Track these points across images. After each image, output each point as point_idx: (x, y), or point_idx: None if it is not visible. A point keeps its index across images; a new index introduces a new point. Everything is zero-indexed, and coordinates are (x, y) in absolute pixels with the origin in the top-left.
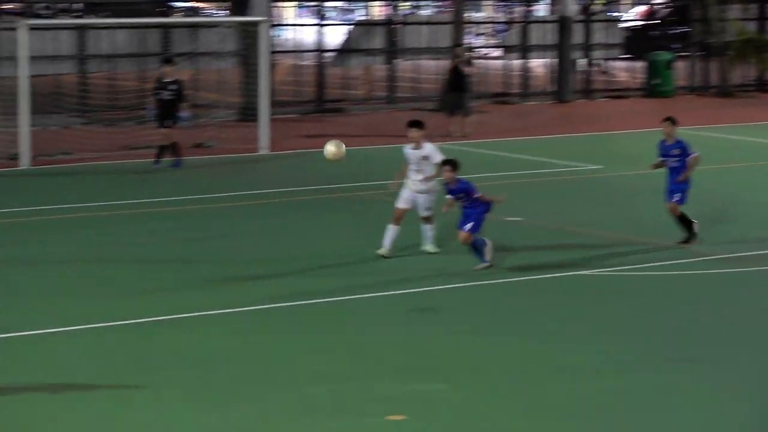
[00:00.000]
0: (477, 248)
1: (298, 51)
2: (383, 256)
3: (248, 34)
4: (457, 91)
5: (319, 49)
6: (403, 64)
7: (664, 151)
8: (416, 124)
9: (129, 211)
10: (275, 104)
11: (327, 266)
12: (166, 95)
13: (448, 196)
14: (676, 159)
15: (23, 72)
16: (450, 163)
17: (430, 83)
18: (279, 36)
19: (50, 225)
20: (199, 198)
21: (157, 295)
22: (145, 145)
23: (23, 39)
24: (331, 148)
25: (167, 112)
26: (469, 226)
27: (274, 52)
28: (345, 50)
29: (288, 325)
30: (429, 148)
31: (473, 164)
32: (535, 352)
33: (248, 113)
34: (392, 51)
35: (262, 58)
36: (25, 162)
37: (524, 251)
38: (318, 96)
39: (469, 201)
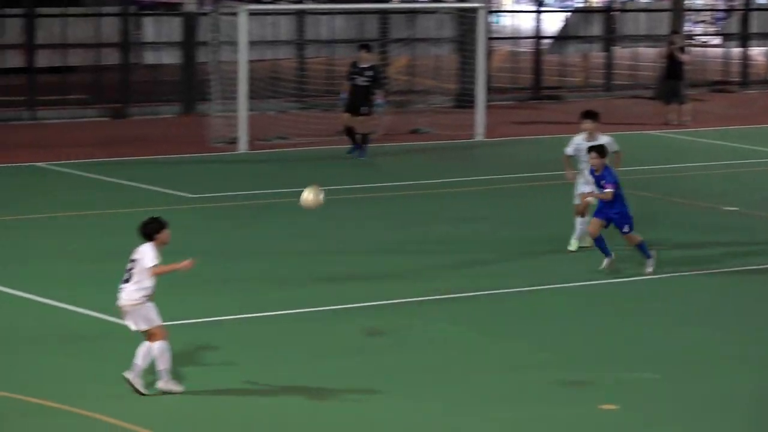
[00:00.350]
0: (642, 248)
1: (515, 38)
2: (572, 251)
3: (466, 20)
4: (673, 78)
5: (537, 36)
6: (621, 52)
7: None
8: (591, 115)
9: (343, 196)
10: (491, 91)
11: (532, 254)
12: (361, 81)
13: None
14: None
15: (242, 57)
16: (597, 150)
17: (648, 71)
18: (496, 22)
19: (266, 208)
20: (413, 184)
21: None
22: (370, 131)
23: (243, 24)
24: (308, 196)
25: (361, 99)
26: (626, 228)
27: (491, 39)
28: (562, 37)
29: (490, 315)
30: (604, 140)
31: (691, 153)
32: (745, 343)
33: (464, 100)
34: (610, 38)
35: (479, 44)
36: (242, 146)
37: (737, 242)
38: (534, 83)
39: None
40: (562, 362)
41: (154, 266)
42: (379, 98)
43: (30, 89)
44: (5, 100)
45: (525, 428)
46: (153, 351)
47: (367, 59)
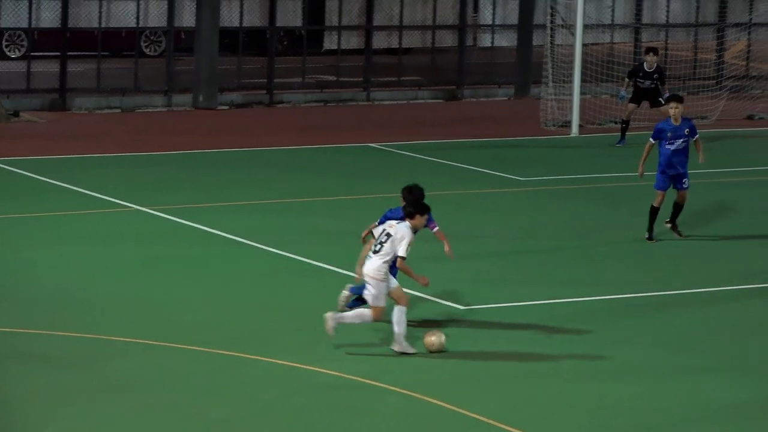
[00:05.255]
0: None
1: None
2: None
3: None
4: None
5: None
6: None
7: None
8: (677, 98)
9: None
10: None
11: None
12: (647, 85)
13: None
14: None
15: (578, 40)
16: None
17: None
18: None
19: (594, 192)
20: (749, 170)
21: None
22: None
23: (579, 7)
24: (433, 340)
25: (650, 99)
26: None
27: None
28: None
29: None
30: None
31: None
32: None
33: None
34: None
35: None
36: (574, 129)
37: None
38: None
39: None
40: None
41: (403, 259)
42: (666, 93)
43: (366, 70)
44: (343, 81)
45: None
46: (394, 314)
47: (653, 62)
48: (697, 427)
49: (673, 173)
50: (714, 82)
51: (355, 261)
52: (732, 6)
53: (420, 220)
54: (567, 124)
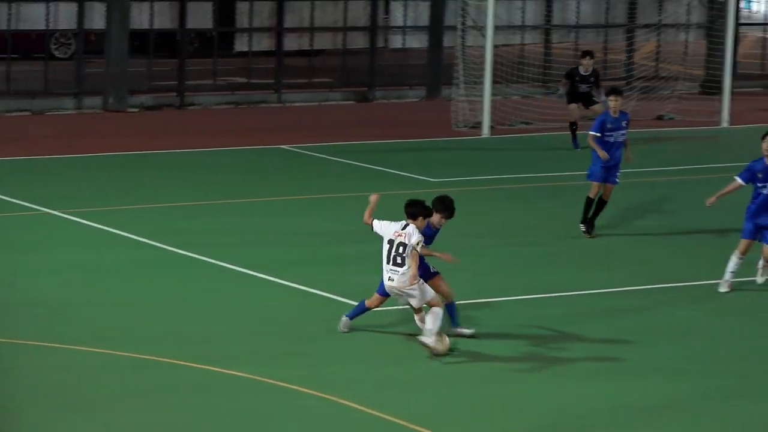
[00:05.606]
0: None
1: (765, 24)
2: None
3: (715, 5)
4: None
5: None
6: None
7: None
8: (617, 91)
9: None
10: (738, 77)
11: None
12: (583, 88)
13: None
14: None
15: (489, 41)
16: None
17: None
18: (747, 8)
19: (505, 193)
20: (661, 170)
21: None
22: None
23: (490, 8)
24: (438, 347)
25: (585, 102)
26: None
27: (740, 24)
28: None
29: None
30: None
31: None
32: None
33: (710, 86)
34: None
35: (728, 30)
36: (485, 131)
37: None
38: None
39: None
40: None
41: (418, 245)
42: (602, 96)
43: (277, 72)
44: (253, 83)
45: None
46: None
47: (589, 66)
48: (607, 427)
49: (610, 165)
50: (624, 82)
51: (271, 263)
52: (641, 7)
53: (422, 222)
54: (478, 126)
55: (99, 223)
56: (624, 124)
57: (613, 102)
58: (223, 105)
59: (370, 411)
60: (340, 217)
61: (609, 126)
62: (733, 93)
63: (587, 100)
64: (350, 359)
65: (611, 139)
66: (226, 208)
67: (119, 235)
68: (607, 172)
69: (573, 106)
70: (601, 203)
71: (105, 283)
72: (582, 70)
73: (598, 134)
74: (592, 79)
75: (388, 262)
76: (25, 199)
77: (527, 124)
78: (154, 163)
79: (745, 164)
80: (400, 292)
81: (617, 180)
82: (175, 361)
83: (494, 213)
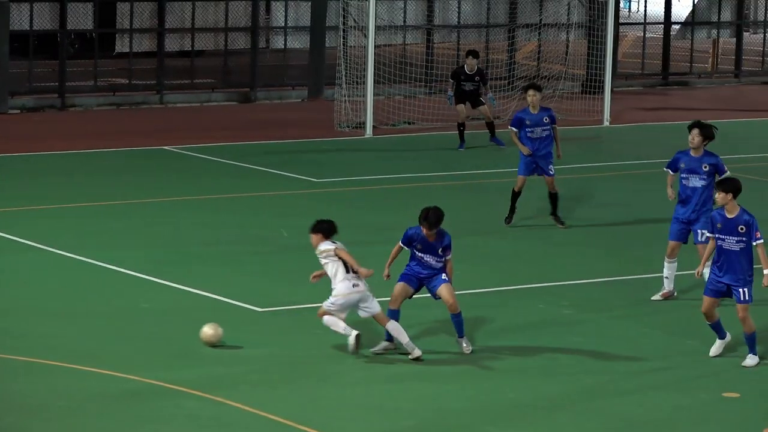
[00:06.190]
0: None
1: (644, 23)
2: None
3: (595, 5)
4: None
5: (666, 22)
6: (752, 38)
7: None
8: (535, 86)
9: (466, 182)
10: (619, 76)
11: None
12: (469, 87)
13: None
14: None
15: (371, 42)
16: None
17: None
18: (626, 7)
19: (388, 193)
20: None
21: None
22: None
23: (371, 9)
24: (208, 331)
25: (472, 101)
26: None
27: (620, 24)
28: (692, 23)
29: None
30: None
31: None
32: None
33: (592, 85)
34: (740, 23)
35: (608, 29)
36: (368, 131)
37: None
38: (663, 69)
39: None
40: None
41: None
42: (489, 94)
43: (159, 73)
44: (134, 84)
45: None
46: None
47: (473, 65)
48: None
49: (537, 158)
50: (506, 82)
51: (152, 263)
52: (522, 7)
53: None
54: (361, 126)
55: None
56: (545, 120)
57: (530, 97)
58: (105, 106)
59: (258, 412)
60: (221, 218)
61: (528, 122)
62: (613, 92)
63: (474, 100)
64: (235, 362)
65: (533, 135)
66: (107, 210)
67: (3, 237)
68: (536, 166)
69: (461, 106)
70: (551, 196)
71: None
72: (467, 69)
73: (515, 129)
74: (476, 78)
75: (347, 272)
76: None
77: (410, 124)
78: (35, 166)
79: (625, 163)
80: (360, 298)
81: (551, 172)
82: (61, 364)
83: (375, 213)
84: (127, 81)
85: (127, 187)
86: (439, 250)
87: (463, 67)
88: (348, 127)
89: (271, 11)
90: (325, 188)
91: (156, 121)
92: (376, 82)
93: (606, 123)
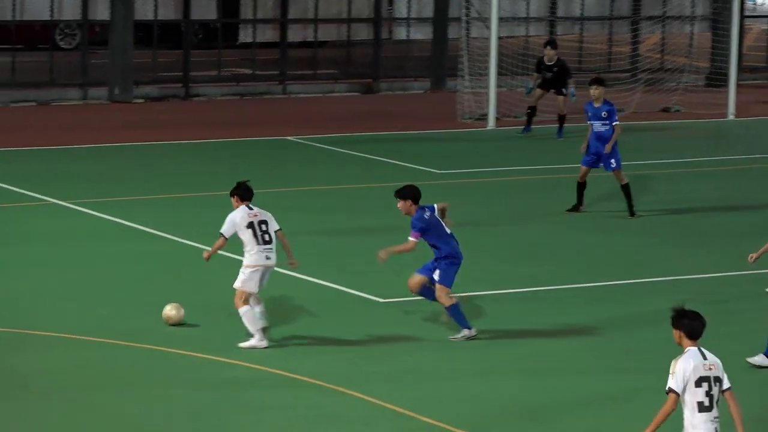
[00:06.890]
0: None
1: None
2: None
3: None
4: None
5: None
6: None
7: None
8: (597, 80)
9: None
10: (744, 70)
11: None
12: (548, 76)
13: None
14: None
15: (493, 33)
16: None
17: None
18: (753, 1)
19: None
20: (666, 162)
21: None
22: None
23: (494, 0)
24: (170, 313)
25: (555, 87)
26: None
27: (745, 17)
28: None
29: None
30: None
31: None
32: None
33: (716, 78)
34: None
35: (733, 22)
36: (491, 122)
37: None
38: None
39: None
40: None
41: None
42: (571, 87)
43: (281, 63)
44: (258, 74)
45: None
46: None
47: (552, 56)
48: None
49: (594, 153)
50: (629, 74)
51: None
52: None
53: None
54: (483, 117)
55: (107, 214)
56: (604, 114)
57: (593, 91)
58: (228, 96)
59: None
60: (350, 209)
61: (589, 114)
62: (738, 85)
63: (557, 87)
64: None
65: (595, 128)
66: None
67: (127, 225)
68: (597, 158)
69: (538, 91)
70: (623, 188)
71: (107, 272)
72: (546, 60)
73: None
74: (555, 68)
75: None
76: (33, 189)
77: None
78: (160, 154)
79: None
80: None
81: (612, 165)
82: (175, 351)
83: (498, 203)
84: (251, 71)
85: (251, 177)
86: None
87: (543, 58)
88: (470, 118)
89: (394, 2)
90: (447, 180)
91: (278, 112)
92: (498, 73)
93: (731, 116)
